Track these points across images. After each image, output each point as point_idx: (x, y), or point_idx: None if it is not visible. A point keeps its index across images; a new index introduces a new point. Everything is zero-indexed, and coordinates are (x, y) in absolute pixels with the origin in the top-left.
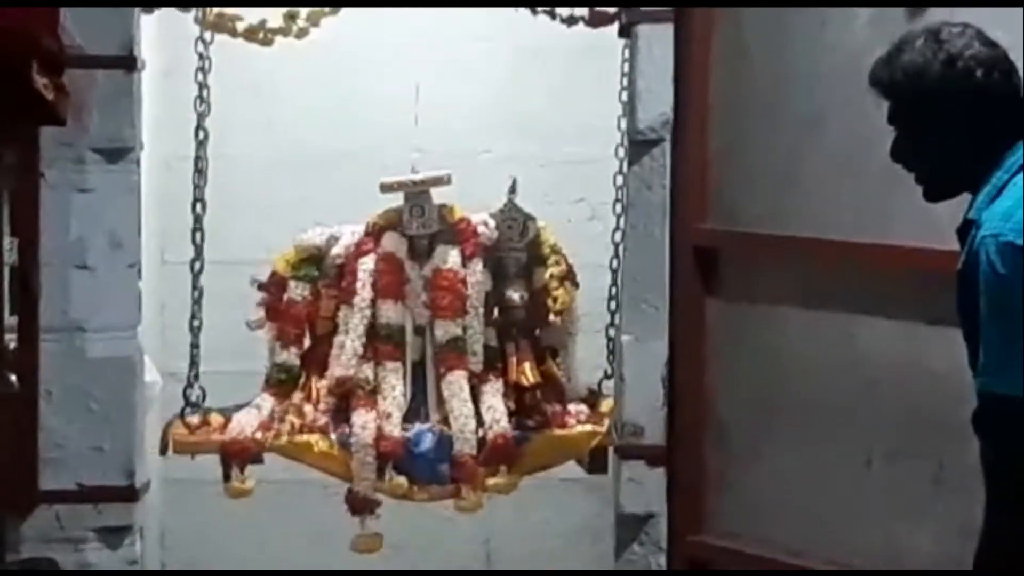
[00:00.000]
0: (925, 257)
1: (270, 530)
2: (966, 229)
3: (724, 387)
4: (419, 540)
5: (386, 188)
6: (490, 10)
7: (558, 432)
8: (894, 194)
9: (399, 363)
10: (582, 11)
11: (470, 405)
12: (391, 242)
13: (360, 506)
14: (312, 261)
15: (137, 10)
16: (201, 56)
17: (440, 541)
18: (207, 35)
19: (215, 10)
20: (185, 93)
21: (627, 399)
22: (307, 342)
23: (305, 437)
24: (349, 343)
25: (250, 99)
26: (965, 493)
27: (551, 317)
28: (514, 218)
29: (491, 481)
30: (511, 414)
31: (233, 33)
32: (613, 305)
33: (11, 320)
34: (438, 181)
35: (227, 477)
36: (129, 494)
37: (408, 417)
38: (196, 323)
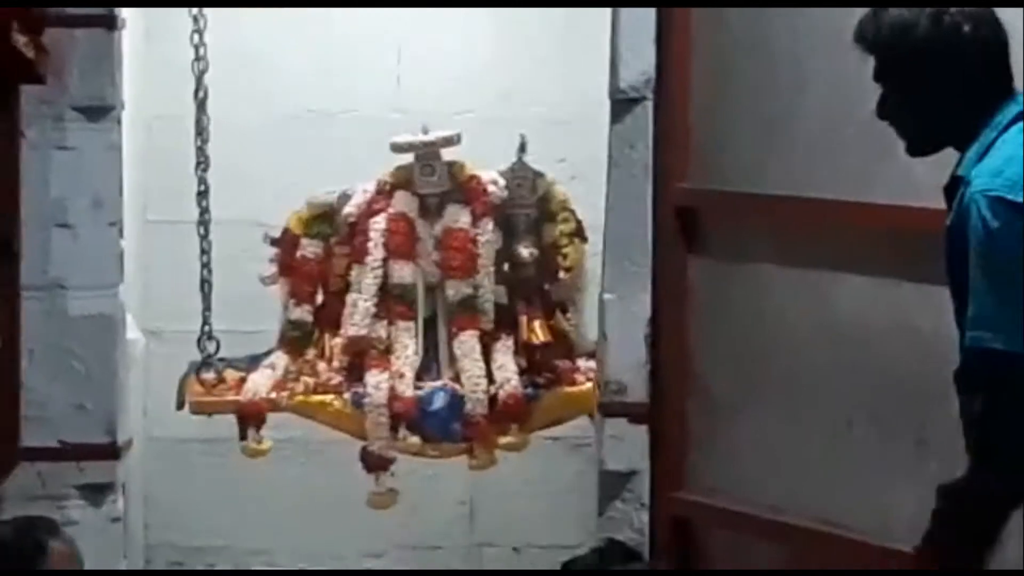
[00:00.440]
0: (906, 216)
1: (252, 489)
2: (954, 186)
3: (706, 346)
4: (403, 499)
5: (397, 148)
6: None
7: (568, 389)
8: (875, 154)
9: (411, 322)
10: None
11: (481, 364)
12: (402, 201)
13: (375, 464)
14: (324, 219)
15: None
16: (196, 19)
17: (423, 499)
18: None
19: None
20: (166, 53)
21: (610, 357)
22: (320, 299)
23: (319, 397)
24: (362, 302)
25: (233, 61)
26: (948, 453)
27: (561, 273)
28: (524, 175)
29: (503, 440)
30: (521, 372)
31: None
32: None
33: None
34: (448, 141)
35: (243, 437)
36: (111, 452)
37: (420, 375)
38: (207, 286)
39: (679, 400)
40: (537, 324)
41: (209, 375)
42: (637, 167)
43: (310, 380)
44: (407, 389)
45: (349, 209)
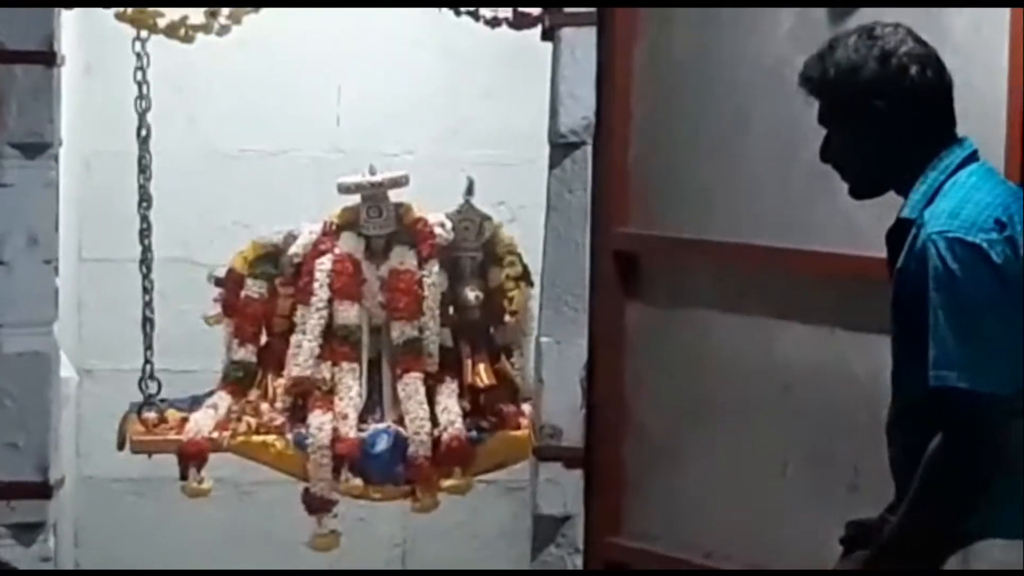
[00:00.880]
0: (845, 263)
1: (186, 530)
2: (899, 229)
3: (643, 390)
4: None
5: (344, 189)
6: (414, 12)
7: (512, 433)
8: (816, 200)
9: (355, 364)
10: (506, 13)
11: (426, 407)
12: (348, 243)
13: (317, 506)
14: (269, 259)
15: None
16: (139, 56)
17: (355, 543)
18: (144, 34)
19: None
20: (106, 90)
21: (546, 401)
22: (264, 340)
23: (261, 437)
24: (306, 343)
25: (170, 96)
26: (881, 498)
27: (506, 317)
28: (471, 218)
29: (446, 483)
30: (466, 415)
31: (153, 29)
32: None
33: None
34: (396, 183)
35: (184, 476)
36: (43, 490)
37: (363, 417)
38: (148, 324)
39: (615, 444)
40: (482, 367)
41: (150, 415)
42: (575, 211)
43: (252, 420)
44: (350, 431)
45: (295, 249)
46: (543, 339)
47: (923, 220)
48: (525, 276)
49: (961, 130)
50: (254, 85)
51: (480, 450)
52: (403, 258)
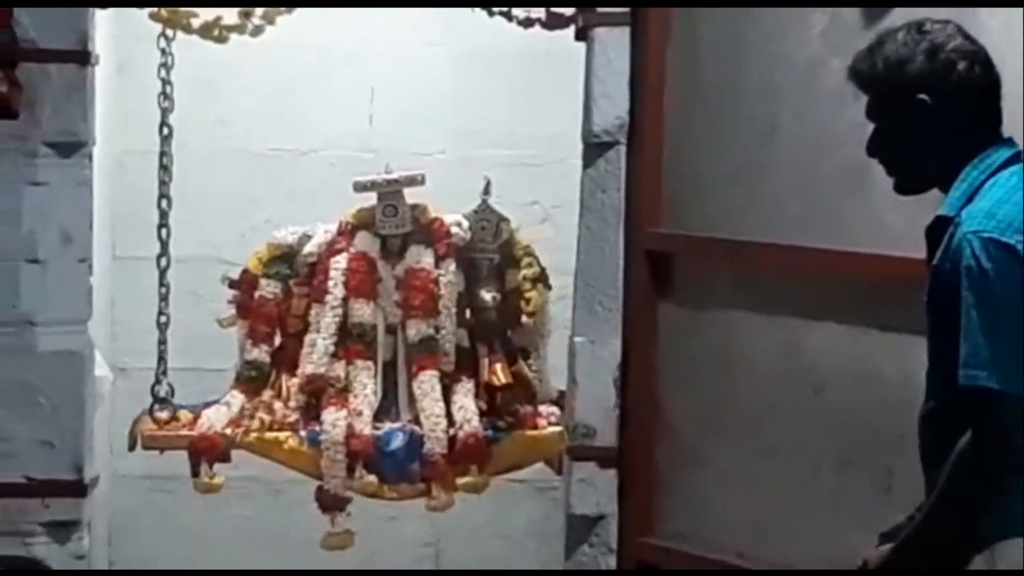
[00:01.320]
0: (876, 263)
1: (216, 528)
2: (937, 227)
3: (675, 391)
4: (367, 540)
5: (360, 187)
6: (447, 12)
7: (529, 433)
8: (847, 201)
9: (370, 362)
10: (539, 13)
11: (441, 404)
12: (364, 241)
13: (330, 504)
14: (284, 259)
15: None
16: (164, 52)
17: (387, 542)
18: (169, 32)
19: None
20: (138, 89)
21: (579, 400)
22: (278, 340)
23: (274, 434)
24: (320, 341)
25: (204, 96)
26: (915, 500)
27: (523, 319)
28: (488, 219)
29: (461, 481)
30: (482, 414)
31: (188, 29)
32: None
33: None
34: (412, 181)
35: (196, 473)
36: (78, 489)
37: (379, 416)
38: (164, 319)
39: (648, 445)
40: (499, 367)
41: (163, 414)
42: (608, 211)
43: (266, 417)
44: (365, 427)
45: (310, 249)
46: (576, 339)
47: (961, 219)
48: (542, 277)
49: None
50: (287, 85)
51: (496, 449)
52: (419, 256)
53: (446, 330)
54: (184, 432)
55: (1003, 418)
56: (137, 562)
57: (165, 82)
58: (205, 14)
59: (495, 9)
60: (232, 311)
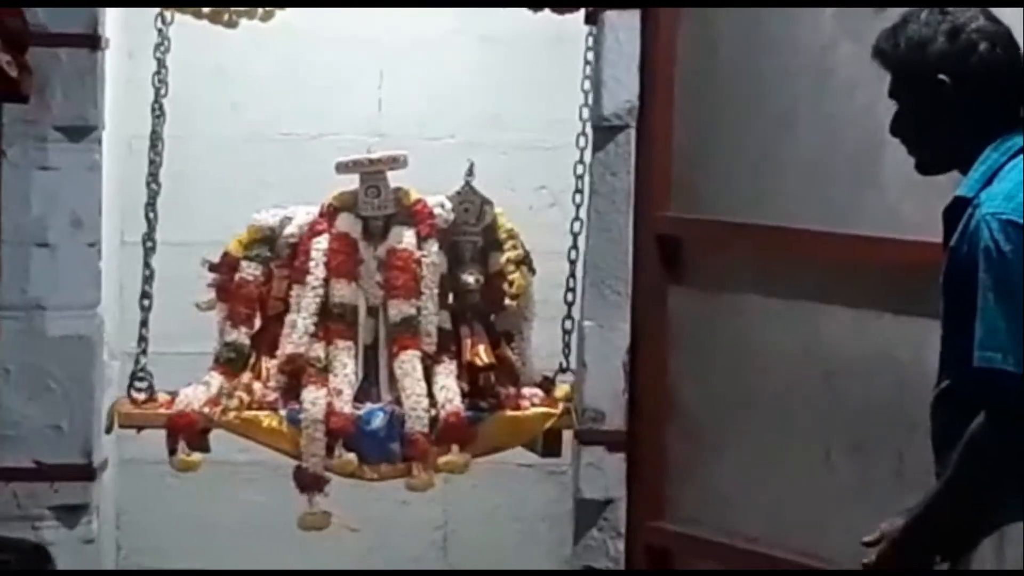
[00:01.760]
0: (889, 248)
1: (226, 512)
2: (955, 208)
3: (686, 375)
4: (375, 525)
5: (342, 168)
6: None
7: (511, 414)
8: (858, 185)
9: (351, 342)
10: None
11: (423, 384)
12: (345, 223)
13: (308, 483)
14: (265, 241)
15: None
16: (160, 33)
17: (396, 526)
18: (167, 14)
19: None
20: (149, 74)
21: (588, 384)
22: (258, 323)
23: (253, 413)
24: (301, 321)
25: (215, 81)
26: (926, 485)
27: (506, 302)
28: (471, 201)
29: (443, 460)
30: (464, 395)
31: (198, 14)
32: (570, 296)
33: None
34: (394, 162)
35: (172, 451)
36: (87, 473)
37: (360, 397)
38: (147, 302)
39: (658, 429)
40: (481, 347)
41: (140, 395)
42: (618, 195)
43: (245, 397)
44: (345, 406)
45: (291, 230)
46: (586, 323)
47: (980, 200)
48: (526, 260)
49: None
50: (297, 70)
51: (479, 430)
52: (401, 237)
53: (428, 311)
54: (161, 411)
55: (1017, 399)
56: (145, 547)
57: (160, 64)
58: None
59: None
60: (211, 295)
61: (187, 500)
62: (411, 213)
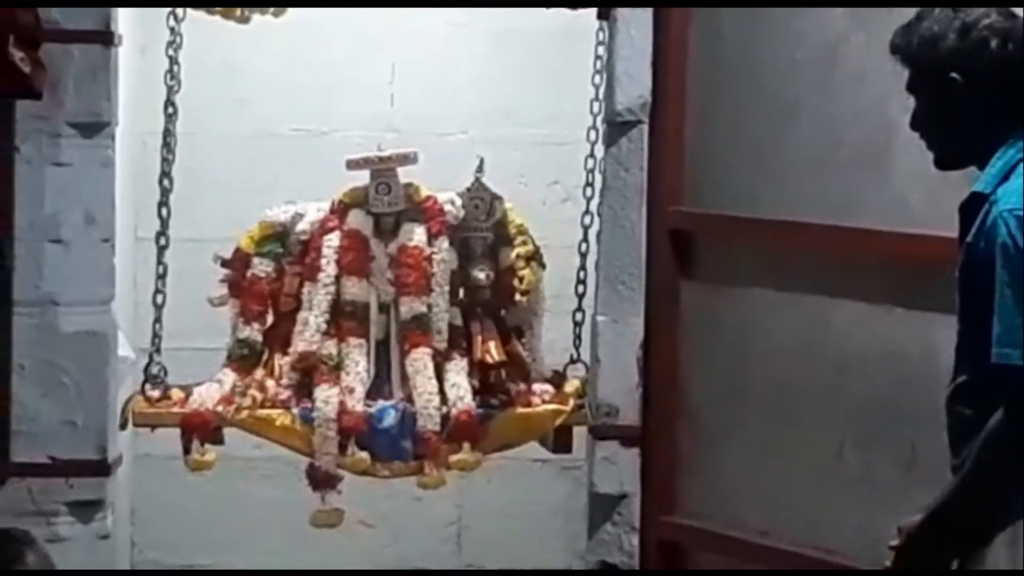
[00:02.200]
0: (899, 242)
1: (241, 507)
2: (972, 203)
3: (698, 369)
4: (389, 521)
5: (352, 164)
6: None
7: (522, 411)
8: (869, 180)
9: (363, 340)
10: None
11: (434, 382)
12: (356, 219)
13: (321, 481)
14: (276, 238)
15: None
16: (172, 31)
17: (410, 521)
18: (179, 12)
19: None
20: (161, 70)
21: (602, 380)
22: (270, 319)
23: (266, 411)
24: (312, 319)
25: (226, 77)
26: (938, 478)
27: (517, 297)
28: (481, 197)
29: (454, 458)
30: (475, 392)
31: (210, 10)
32: (581, 289)
33: None
34: (405, 159)
35: (187, 450)
36: (101, 468)
37: (372, 394)
38: (160, 298)
39: (671, 424)
40: (492, 344)
41: (154, 392)
42: (631, 190)
43: (258, 395)
44: (357, 404)
45: (302, 227)
46: (599, 318)
47: (996, 197)
48: (536, 256)
49: None
50: (308, 65)
51: (490, 427)
52: (412, 234)
53: (439, 308)
54: (175, 410)
55: None
56: (160, 542)
57: (172, 60)
58: None
59: None
60: (224, 290)
61: (201, 495)
62: (422, 209)
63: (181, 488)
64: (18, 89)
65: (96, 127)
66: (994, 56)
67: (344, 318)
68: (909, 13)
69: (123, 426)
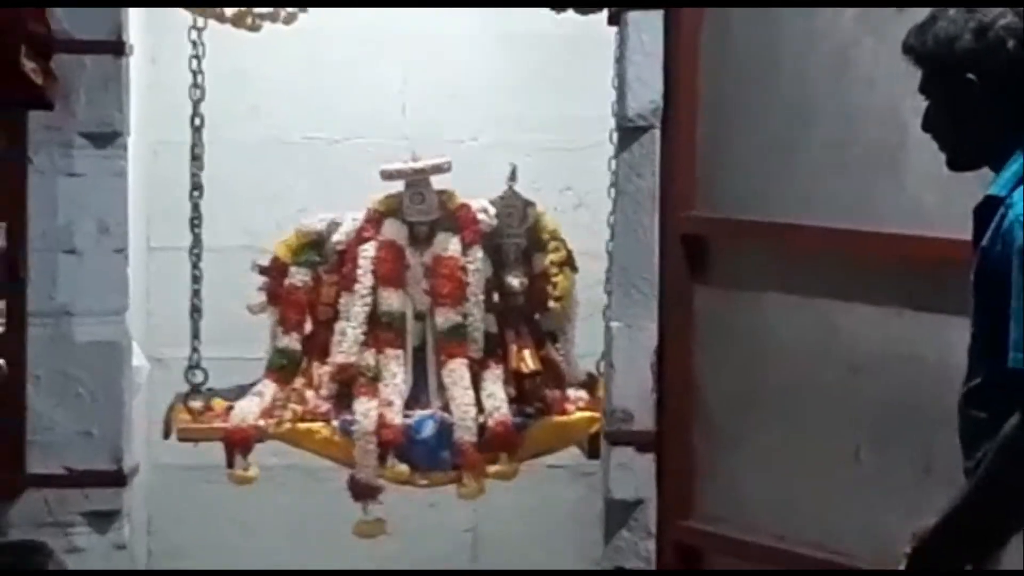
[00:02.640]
0: (913, 244)
1: (255, 516)
2: (986, 206)
3: (712, 374)
4: (405, 526)
5: (387, 175)
6: None
7: (558, 419)
8: (881, 182)
9: (400, 350)
10: None
11: (471, 392)
12: (392, 229)
13: (363, 492)
14: (313, 247)
15: None
16: (195, 43)
17: (427, 527)
18: (200, 21)
19: None
20: (172, 79)
21: (616, 385)
22: (308, 327)
23: (307, 424)
24: (350, 330)
25: (237, 85)
26: (953, 481)
27: (551, 303)
28: (514, 204)
29: (492, 468)
30: (511, 400)
31: (220, 19)
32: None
33: None
34: (438, 168)
35: (230, 464)
36: (117, 479)
37: (409, 404)
38: (197, 310)
39: (686, 428)
40: (527, 353)
41: (196, 403)
42: (643, 195)
43: (298, 408)
44: (396, 417)
45: (338, 237)
46: (613, 323)
47: (1012, 200)
48: (569, 261)
49: None
50: (319, 73)
51: (526, 436)
52: (447, 244)
53: (474, 317)
54: (218, 424)
55: None
56: (176, 550)
57: (196, 73)
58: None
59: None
60: (262, 298)
61: (217, 504)
62: (456, 218)
63: (197, 497)
64: (30, 100)
65: (108, 137)
66: (1011, 57)
67: (381, 329)
68: (920, 14)
69: (166, 435)
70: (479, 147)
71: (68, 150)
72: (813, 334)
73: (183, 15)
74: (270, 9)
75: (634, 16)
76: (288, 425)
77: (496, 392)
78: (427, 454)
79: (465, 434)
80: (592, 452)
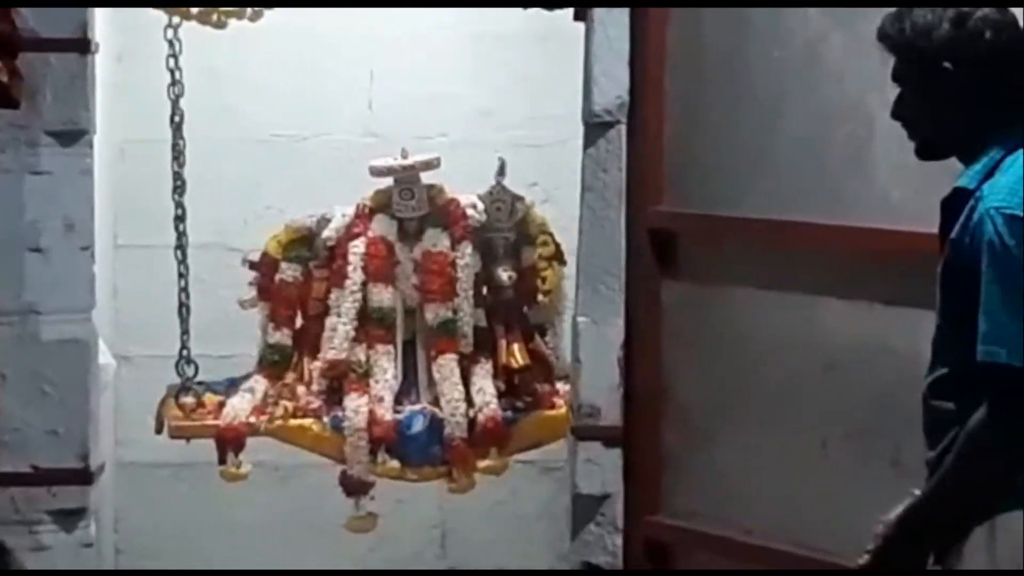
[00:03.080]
0: (884, 238)
1: (224, 514)
2: (955, 199)
3: (681, 368)
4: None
5: (376, 172)
6: None
7: (547, 413)
8: (851, 176)
9: (390, 346)
10: None
11: (461, 388)
12: (381, 225)
13: (355, 488)
14: (303, 242)
15: None
16: (171, 42)
17: (394, 523)
18: (175, 20)
19: None
20: (139, 77)
21: (583, 380)
22: (299, 322)
23: (298, 421)
24: (341, 326)
25: (204, 82)
26: (923, 475)
27: (539, 296)
28: (503, 199)
29: (482, 463)
30: (500, 395)
31: (186, 16)
32: None
33: None
34: (428, 166)
35: (222, 461)
36: (84, 477)
37: (399, 399)
38: (185, 306)
39: (653, 423)
40: (516, 347)
41: (188, 399)
42: (610, 191)
43: (289, 404)
44: (386, 413)
45: (328, 233)
46: (580, 319)
47: (982, 193)
48: (558, 255)
49: None
50: (286, 70)
51: (515, 430)
52: (436, 240)
53: (464, 312)
54: (210, 422)
55: (1020, 395)
56: (143, 549)
57: (173, 71)
58: None
59: None
60: (253, 293)
61: (185, 502)
62: (445, 213)
63: (164, 495)
64: None
65: (74, 135)
66: (988, 47)
67: (371, 325)
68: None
69: (158, 430)
70: (447, 143)
71: (34, 148)
72: (782, 329)
73: (150, 14)
74: (235, 7)
75: (599, 12)
76: (280, 422)
77: (486, 387)
78: (417, 450)
79: (455, 430)
80: None
